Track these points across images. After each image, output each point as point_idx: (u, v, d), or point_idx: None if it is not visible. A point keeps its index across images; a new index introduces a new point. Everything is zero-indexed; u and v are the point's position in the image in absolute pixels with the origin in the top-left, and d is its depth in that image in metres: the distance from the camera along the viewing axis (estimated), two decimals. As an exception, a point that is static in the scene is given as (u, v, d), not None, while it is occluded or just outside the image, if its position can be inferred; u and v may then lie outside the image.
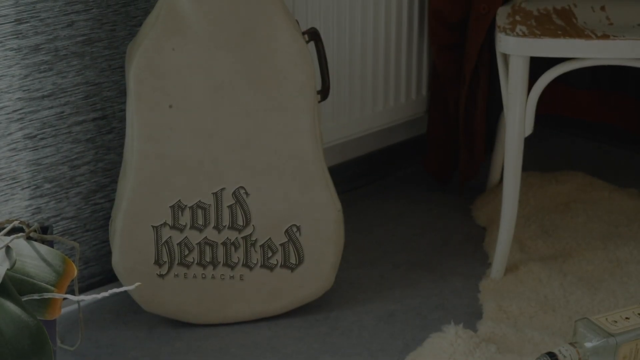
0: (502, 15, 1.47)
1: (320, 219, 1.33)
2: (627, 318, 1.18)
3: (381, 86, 1.74)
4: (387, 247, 1.60)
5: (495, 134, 1.77)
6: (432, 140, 1.80)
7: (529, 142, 2.06)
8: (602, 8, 1.51)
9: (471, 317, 1.35)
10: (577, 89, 1.88)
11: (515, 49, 1.35)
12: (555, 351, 1.16)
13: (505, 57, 1.42)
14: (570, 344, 1.18)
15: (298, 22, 1.34)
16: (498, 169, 1.80)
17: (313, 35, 1.34)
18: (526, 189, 1.77)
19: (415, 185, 1.82)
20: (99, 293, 1.51)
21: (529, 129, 1.40)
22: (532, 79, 1.43)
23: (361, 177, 1.84)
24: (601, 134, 1.98)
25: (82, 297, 0.96)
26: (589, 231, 1.59)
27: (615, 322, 1.17)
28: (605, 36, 1.33)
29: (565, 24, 1.41)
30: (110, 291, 0.91)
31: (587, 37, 1.33)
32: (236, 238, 1.33)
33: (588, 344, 1.17)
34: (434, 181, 1.83)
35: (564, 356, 1.16)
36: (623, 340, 1.15)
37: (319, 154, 1.32)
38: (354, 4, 1.65)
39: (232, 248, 1.34)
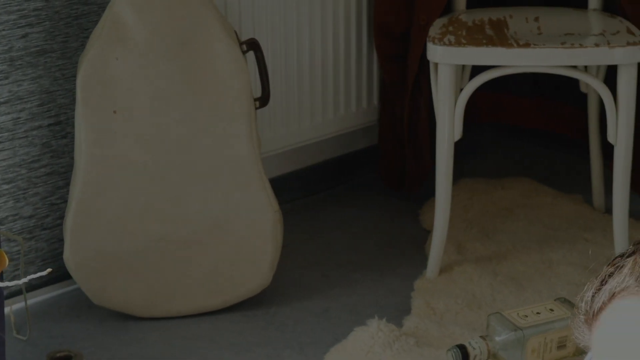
0: (436, 26, 1.55)
1: (258, 219, 1.41)
2: (538, 313, 1.24)
3: (331, 95, 1.82)
4: (334, 249, 1.67)
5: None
6: (383, 148, 1.88)
7: (480, 150, 2.14)
8: (536, 19, 1.58)
9: (401, 313, 1.42)
10: (520, 97, 1.95)
11: (442, 57, 1.42)
12: (466, 343, 1.23)
13: (436, 66, 1.49)
14: (481, 337, 1.24)
15: (237, 33, 1.42)
16: (447, 175, 1.87)
17: (252, 45, 1.42)
18: (472, 194, 1.84)
19: (368, 192, 1.90)
20: (55, 289, 1.60)
21: (457, 134, 1.47)
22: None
23: (316, 184, 1.92)
24: (550, 141, 2.05)
25: (11, 283, 1.03)
26: (527, 234, 1.66)
27: (526, 316, 1.23)
28: (526, 45, 1.40)
29: (495, 34, 1.48)
30: (30, 276, 0.98)
31: (509, 45, 1.40)
32: (180, 237, 1.41)
33: (497, 338, 1.23)
34: (387, 188, 1.90)
35: (474, 348, 1.22)
36: (531, 333, 1.21)
37: (255, 157, 1.39)
38: (301, 18, 1.73)
39: (176, 246, 1.42)
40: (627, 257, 0.76)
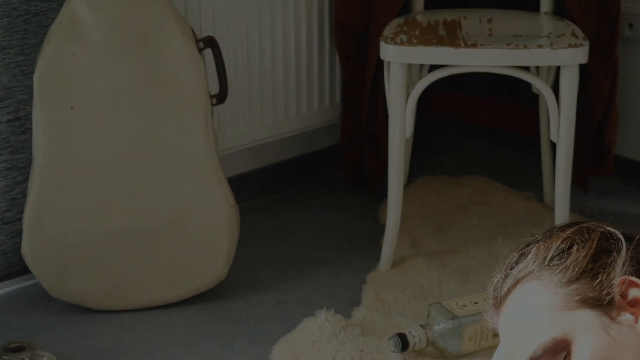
0: (392, 26, 1.59)
1: (214, 213, 1.44)
2: (475, 303, 1.28)
3: (293, 93, 1.86)
4: (293, 244, 1.71)
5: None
6: (345, 146, 1.91)
7: (440, 149, 2.18)
8: (489, 20, 1.63)
9: (351, 305, 1.46)
10: (476, 97, 2.00)
11: (393, 56, 1.47)
12: (406, 332, 1.27)
13: (389, 65, 1.53)
14: (421, 325, 1.29)
15: (194, 30, 1.45)
16: (405, 173, 1.91)
17: (209, 42, 1.45)
18: (429, 192, 1.88)
19: (331, 189, 1.94)
20: (16, 283, 1.62)
21: (408, 132, 1.51)
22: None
23: (280, 182, 1.95)
24: (507, 140, 2.10)
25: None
26: (479, 230, 1.71)
27: (464, 306, 1.28)
28: (473, 45, 1.44)
29: (447, 34, 1.52)
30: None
31: (458, 45, 1.44)
32: (136, 231, 1.44)
33: (436, 327, 1.27)
34: (349, 186, 1.93)
35: (413, 336, 1.27)
36: (467, 322, 1.25)
37: (212, 152, 1.43)
38: (262, 16, 1.76)
39: (133, 240, 1.44)
40: (533, 244, 0.81)
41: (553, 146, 1.82)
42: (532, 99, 1.85)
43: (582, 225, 0.81)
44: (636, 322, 0.74)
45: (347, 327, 1.32)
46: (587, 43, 1.46)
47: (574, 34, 1.51)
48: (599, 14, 1.73)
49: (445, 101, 2.03)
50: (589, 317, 0.74)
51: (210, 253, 1.46)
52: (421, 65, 1.79)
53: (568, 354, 0.74)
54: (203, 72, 1.40)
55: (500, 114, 2.02)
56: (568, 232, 0.80)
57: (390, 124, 1.51)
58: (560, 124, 1.48)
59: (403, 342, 1.26)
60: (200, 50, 1.42)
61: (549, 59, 1.44)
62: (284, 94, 1.84)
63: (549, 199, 1.82)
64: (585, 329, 0.74)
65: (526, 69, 1.79)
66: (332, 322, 1.32)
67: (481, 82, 2.00)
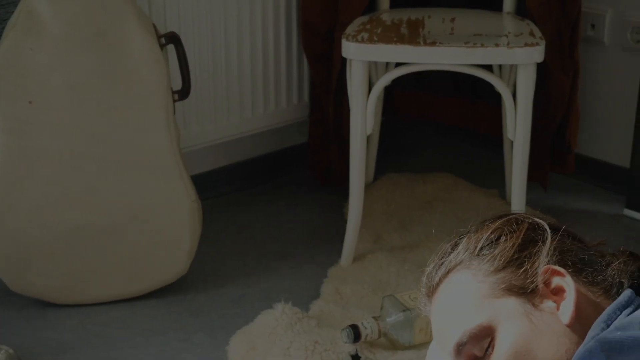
0: (355, 24, 1.61)
1: (175, 208, 1.46)
2: (429, 295, 1.30)
3: (260, 91, 1.88)
4: (258, 240, 1.72)
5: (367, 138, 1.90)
6: (312, 144, 1.94)
7: (409, 147, 2.21)
8: (452, 20, 1.66)
9: (311, 298, 1.48)
10: (441, 96, 2.03)
11: (354, 54, 1.49)
12: (358, 324, 1.29)
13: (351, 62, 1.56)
14: (374, 317, 1.31)
15: (156, 26, 1.47)
16: (370, 170, 1.94)
17: (171, 38, 1.47)
18: (394, 188, 1.91)
19: (299, 186, 1.96)
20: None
21: (369, 128, 1.54)
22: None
23: (248, 179, 1.97)
24: (474, 138, 2.13)
25: None
26: (441, 226, 1.73)
27: (416, 298, 1.30)
28: (432, 43, 1.47)
29: (408, 33, 1.55)
30: None
31: (417, 44, 1.47)
32: (97, 225, 1.45)
33: (388, 319, 1.30)
34: (317, 182, 1.96)
35: (365, 328, 1.29)
36: (418, 314, 1.28)
37: (173, 147, 1.44)
38: (229, 14, 1.78)
39: (94, 235, 1.46)
40: (465, 235, 0.83)
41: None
42: (497, 98, 1.89)
43: (511, 216, 0.83)
44: (558, 309, 0.77)
45: (303, 320, 1.34)
46: (543, 42, 1.49)
47: (532, 34, 1.54)
48: (560, 14, 1.76)
49: (411, 100, 2.05)
50: (513, 305, 0.77)
51: (171, 248, 1.47)
52: (387, 64, 1.81)
53: (492, 339, 0.76)
54: (164, 68, 1.41)
55: (465, 113, 2.05)
56: (498, 223, 0.82)
57: (352, 120, 1.53)
58: (517, 121, 1.51)
59: (355, 333, 1.28)
60: (162, 46, 1.44)
61: (506, 58, 1.47)
62: (251, 91, 1.86)
63: (511, 196, 1.85)
64: (509, 316, 0.76)
65: (489, 67, 1.82)
66: (289, 314, 1.34)
67: (447, 80, 2.02)
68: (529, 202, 1.91)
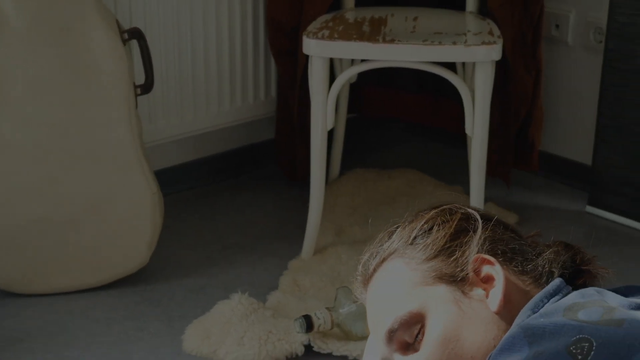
0: (318, 22, 1.64)
1: (136, 200, 1.47)
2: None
3: (227, 86, 1.90)
4: (222, 233, 1.75)
5: (332, 133, 1.93)
6: (279, 140, 1.96)
7: (378, 144, 2.24)
8: (415, 18, 1.68)
9: (270, 289, 1.51)
10: (407, 94, 2.05)
11: (314, 50, 1.51)
12: (311, 314, 1.32)
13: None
14: (327, 308, 1.34)
15: (118, 22, 1.48)
16: (337, 164, 1.97)
17: (134, 34, 1.49)
18: (360, 183, 1.94)
19: (267, 181, 1.98)
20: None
21: (330, 124, 1.56)
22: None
23: (216, 173, 1.99)
24: (442, 135, 2.16)
25: None
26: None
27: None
28: (390, 41, 1.50)
29: (370, 30, 1.57)
30: None
31: (375, 41, 1.50)
32: (58, 216, 1.47)
33: (341, 309, 1.33)
34: (284, 177, 1.98)
35: (318, 318, 1.32)
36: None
37: (134, 140, 1.46)
38: (195, 9, 1.79)
39: (55, 225, 1.47)
40: (399, 225, 0.86)
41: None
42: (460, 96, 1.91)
43: (445, 207, 0.86)
44: (487, 296, 0.79)
45: (258, 310, 1.36)
46: (500, 41, 1.52)
47: (490, 33, 1.57)
48: (523, 14, 1.80)
49: (377, 97, 2.08)
50: (443, 292, 0.79)
51: (132, 239, 1.49)
52: (352, 61, 1.84)
53: (422, 326, 0.79)
54: (126, 62, 1.43)
55: (430, 110, 2.08)
56: (431, 214, 0.85)
57: (312, 116, 1.56)
58: (474, 118, 1.54)
59: (308, 323, 1.30)
60: (125, 41, 1.46)
61: (463, 56, 1.50)
62: (217, 86, 1.88)
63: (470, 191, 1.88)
64: (439, 303, 0.79)
65: (453, 65, 1.85)
66: (244, 304, 1.37)
67: (411, 78, 2.05)
68: (494, 199, 1.95)
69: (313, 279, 1.50)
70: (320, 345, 1.31)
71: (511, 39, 1.76)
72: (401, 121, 2.16)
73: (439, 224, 0.83)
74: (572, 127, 2.01)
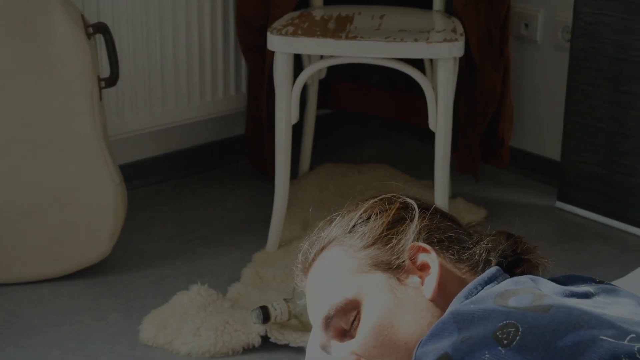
0: (284, 19, 1.65)
1: (98, 192, 1.49)
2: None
3: (196, 81, 1.91)
4: (189, 225, 1.76)
5: (302, 128, 1.95)
6: (249, 134, 1.97)
7: (350, 141, 2.25)
8: (382, 17, 1.70)
9: (232, 281, 1.52)
10: (377, 90, 2.07)
11: (277, 46, 1.53)
12: (268, 305, 1.33)
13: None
14: (284, 299, 1.35)
15: (83, 16, 1.49)
16: (307, 159, 1.98)
17: (100, 28, 1.50)
18: (329, 178, 1.95)
19: (238, 176, 1.99)
20: None
21: (294, 118, 1.58)
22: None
23: (187, 167, 2.00)
24: (414, 131, 2.18)
25: None
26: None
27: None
28: (352, 37, 1.51)
29: (334, 27, 1.59)
30: None
31: (337, 37, 1.51)
32: (20, 206, 1.47)
33: (299, 301, 1.34)
34: (254, 171, 1.99)
35: (275, 309, 1.33)
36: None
37: (97, 132, 1.47)
38: (163, 6, 1.80)
39: (17, 215, 1.48)
40: (339, 214, 0.87)
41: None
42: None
43: (384, 196, 0.87)
44: (422, 284, 0.81)
45: (217, 301, 1.38)
46: (462, 39, 1.54)
47: (454, 30, 1.59)
48: (489, 13, 1.82)
49: (347, 93, 2.09)
50: (379, 279, 0.81)
51: (94, 230, 1.50)
52: (321, 57, 1.85)
53: (358, 313, 0.80)
54: (89, 56, 1.44)
55: (399, 106, 2.09)
56: (371, 203, 0.86)
57: (277, 110, 1.57)
58: (438, 113, 1.56)
59: (264, 314, 1.32)
60: (90, 35, 1.47)
61: (424, 52, 1.52)
62: (186, 81, 1.89)
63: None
64: (375, 290, 0.80)
65: (421, 63, 1.87)
66: (203, 295, 1.38)
67: (381, 75, 2.07)
68: (463, 194, 1.97)
69: (276, 271, 1.51)
70: (277, 337, 1.33)
71: (477, 38, 1.78)
72: (369, 115, 2.17)
73: (377, 213, 0.84)
74: (542, 123, 2.04)
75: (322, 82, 1.98)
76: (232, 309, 1.37)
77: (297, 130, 1.95)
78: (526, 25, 2.02)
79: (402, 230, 0.82)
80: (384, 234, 0.82)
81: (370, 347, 0.78)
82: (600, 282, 0.81)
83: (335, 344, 0.82)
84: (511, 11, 1.89)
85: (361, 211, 0.85)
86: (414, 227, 0.82)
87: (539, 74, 2.02)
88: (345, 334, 0.81)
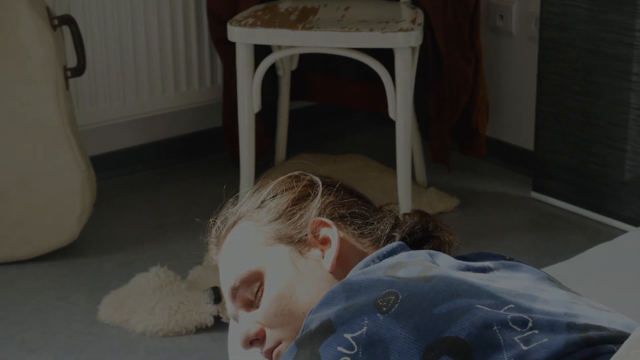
0: (248, 11, 1.69)
1: (65, 177, 1.55)
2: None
3: (170, 72, 1.95)
4: (163, 212, 1.81)
5: (277, 118, 1.99)
6: (226, 124, 2.02)
7: (330, 132, 2.27)
8: (346, 8, 1.73)
9: (195, 264, 1.56)
10: (348, 81, 2.10)
11: (237, 37, 1.57)
12: (219, 285, 1.38)
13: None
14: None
15: (49, 9, 1.55)
16: (282, 149, 2.02)
17: (65, 20, 1.56)
18: (304, 167, 1.95)
19: (215, 165, 2.04)
20: None
21: (256, 107, 1.62)
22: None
23: (167, 157, 2.04)
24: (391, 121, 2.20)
25: None
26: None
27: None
28: (309, 28, 1.55)
29: (296, 19, 1.63)
30: None
31: (295, 28, 1.55)
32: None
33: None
34: (233, 162, 2.03)
35: (224, 289, 1.37)
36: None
37: (63, 119, 1.53)
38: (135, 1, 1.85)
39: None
40: (249, 190, 0.91)
41: (420, 127, 1.92)
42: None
43: (293, 174, 0.91)
44: (323, 257, 0.84)
45: (175, 283, 1.43)
46: (419, 28, 1.57)
47: (413, 21, 1.62)
48: (457, 5, 1.84)
49: (320, 84, 2.13)
50: (281, 252, 0.84)
51: (61, 214, 1.56)
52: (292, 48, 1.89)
53: (262, 284, 0.84)
54: (53, 47, 1.50)
55: (370, 97, 2.12)
56: (279, 180, 0.90)
57: (239, 100, 1.62)
58: (397, 102, 1.59)
59: (216, 294, 1.36)
60: (55, 27, 1.53)
61: (380, 42, 1.55)
62: (160, 72, 1.93)
63: (421, 178, 1.93)
64: (277, 262, 0.84)
65: (389, 52, 1.90)
66: (161, 277, 1.43)
67: (352, 66, 2.10)
68: (440, 184, 1.99)
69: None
70: (229, 317, 1.37)
71: (445, 29, 1.80)
72: (340, 105, 2.20)
73: (284, 190, 0.88)
74: (518, 114, 2.05)
75: (296, 74, 2.03)
76: (189, 290, 1.42)
77: (275, 121, 2.00)
78: (501, 16, 2.04)
79: (306, 206, 0.86)
80: (289, 209, 0.86)
81: (272, 317, 0.82)
82: (510, 259, 0.84)
83: (242, 314, 0.86)
84: (481, 2, 1.91)
85: (270, 187, 0.89)
86: (316, 202, 0.86)
87: (515, 65, 2.04)
88: (251, 305, 0.85)
